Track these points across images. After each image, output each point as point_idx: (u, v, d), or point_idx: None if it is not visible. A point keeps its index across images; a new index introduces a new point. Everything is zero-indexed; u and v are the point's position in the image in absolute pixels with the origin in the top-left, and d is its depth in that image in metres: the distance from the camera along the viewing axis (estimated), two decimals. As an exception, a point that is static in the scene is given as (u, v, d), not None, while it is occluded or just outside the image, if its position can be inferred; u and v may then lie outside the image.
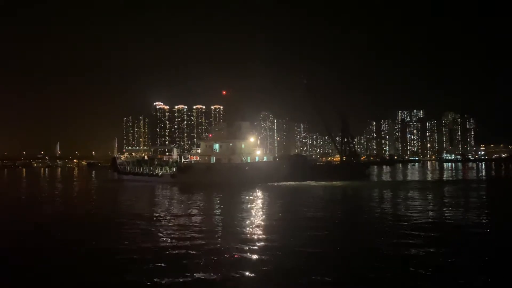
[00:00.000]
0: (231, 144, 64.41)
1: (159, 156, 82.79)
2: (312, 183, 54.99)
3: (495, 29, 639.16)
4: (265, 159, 65.77)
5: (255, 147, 65.30)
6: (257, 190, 46.05)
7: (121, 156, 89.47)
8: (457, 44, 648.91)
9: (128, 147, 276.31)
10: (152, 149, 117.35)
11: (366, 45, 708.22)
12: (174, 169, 66.83)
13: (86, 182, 78.58)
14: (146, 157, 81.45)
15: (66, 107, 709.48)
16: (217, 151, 65.64)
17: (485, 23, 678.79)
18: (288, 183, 55.07)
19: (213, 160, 64.74)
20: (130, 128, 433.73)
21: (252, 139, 65.84)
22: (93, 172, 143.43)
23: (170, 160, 73.89)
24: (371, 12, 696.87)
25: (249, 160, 62.33)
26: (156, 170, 69.53)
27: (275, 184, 53.84)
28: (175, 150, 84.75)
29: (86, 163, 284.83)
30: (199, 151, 74.08)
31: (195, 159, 71.62)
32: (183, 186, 54.07)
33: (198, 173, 61.03)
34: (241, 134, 65.23)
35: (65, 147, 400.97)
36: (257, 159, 63.84)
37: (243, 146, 64.05)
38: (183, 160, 72.64)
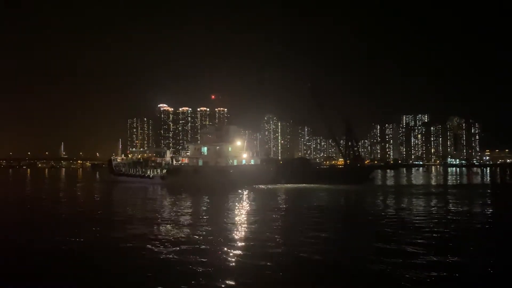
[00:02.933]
0: (218, 147, 66.38)
1: (153, 158, 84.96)
2: (312, 186, 55.60)
3: (502, 32, 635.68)
4: (252, 162, 67.58)
5: (242, 150, 67.15)
6: (231, 194, 45.25)
7: (117, 158, 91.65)
8: (461, 47, 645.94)
9: (132, 148, 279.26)
10: (147, 151, 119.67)
11: (371, 49, 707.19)
12: (165, 171, 69.18)
13: (82, 185, 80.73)
14: (141, 159, 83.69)
15: (71, 108, 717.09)
16: (205, 154, 67.73)
17: (487, 24, 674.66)
18: (280, 185, 56.12)
19: (200, 163, 66.77)
20: (135, 130, 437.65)
21: (239, 143, 67.76)
22: (97, 173, 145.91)
23: (163, 162, 76.23)
24: (375, 15, 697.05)
25: (235, 163, 64.29)
26: (148, 172, 71.94)
27: (261, 187, 54.96)
28: (168, 152, 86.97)
29: (90, 164, 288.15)
30: (189, 153, 76.31)
31: (185, 162, 73.97)
32: (169, 188, 55.97)
33: (185, 176, 63.09)
34: (228, 138, 67.28)
35: (70, 148, 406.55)
36: (243, 162, 65.75)
37: (230, 149, 65.98)
38: (174, 162, 75.01)
